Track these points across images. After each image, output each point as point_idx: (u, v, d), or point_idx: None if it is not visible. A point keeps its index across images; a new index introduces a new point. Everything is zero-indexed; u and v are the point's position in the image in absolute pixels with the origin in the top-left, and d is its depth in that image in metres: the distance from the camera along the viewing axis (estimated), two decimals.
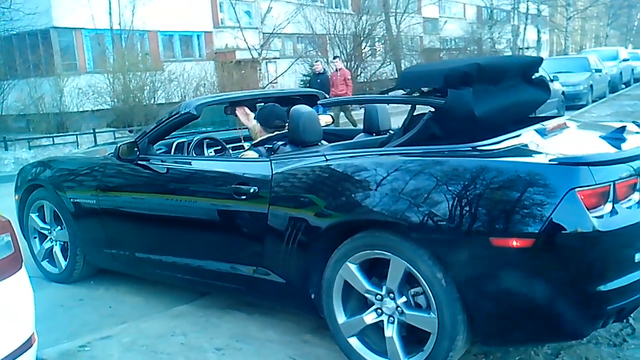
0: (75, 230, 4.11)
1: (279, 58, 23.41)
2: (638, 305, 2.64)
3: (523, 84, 3.37)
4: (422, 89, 3.08)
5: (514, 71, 3.30)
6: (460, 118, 2.82)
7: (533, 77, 3.45)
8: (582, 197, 2.29)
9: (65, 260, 4.28)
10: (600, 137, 2.90)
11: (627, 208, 2.44)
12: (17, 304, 2.22)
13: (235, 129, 4.59)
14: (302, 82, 21.83)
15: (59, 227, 4.28)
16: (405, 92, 3.16)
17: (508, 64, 3.40)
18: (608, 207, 2.37)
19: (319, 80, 12.77)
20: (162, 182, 3.58)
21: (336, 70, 13.11)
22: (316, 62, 14.24)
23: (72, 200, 4.05)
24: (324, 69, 13.41)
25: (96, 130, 13.58)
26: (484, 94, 2.92)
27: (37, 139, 13.71)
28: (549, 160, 2.41)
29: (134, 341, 3.27)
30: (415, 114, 3.09)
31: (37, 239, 4.47)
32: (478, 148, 2.64)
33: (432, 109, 2.91)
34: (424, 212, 2.50)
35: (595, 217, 2.30)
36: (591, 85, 16.04)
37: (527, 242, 2.32)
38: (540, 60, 3.50)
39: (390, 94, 3.54)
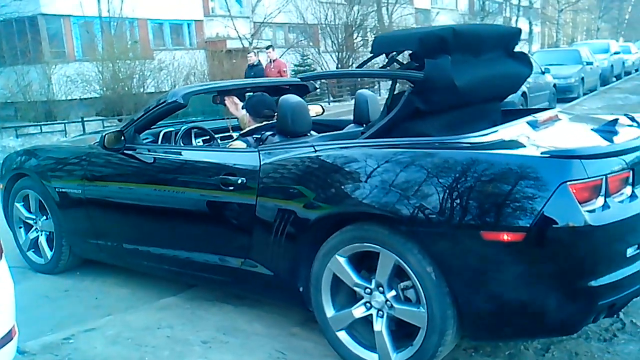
0: (61, 220, 4.04)
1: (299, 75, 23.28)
2: (629, 301, 2.63)
3: (505, 57, 3.32)
4: (400, 62, 3.02)
5: (494, 42, 3.24)
6: (440, 88, 2.77)
7: (515, 50, 3.41)
8: (574, 190, 2.26)
9: (51, 250, 4.22)
10: (592, 130, 2.87)
11: (619, 202, 2.41)
12: None
13: (224, 119, 4.53)
14: (293, 72, 21.71)
15: (45, 217, 4.22)
16: (383, 67, 3.08)
17: (485, 32, 3.33)
18: (600, 201, 2.34)
19: (252, 73, 11.65)
20: (148, 172, 3.52)
21: (270, 61, 11.96)
22: (249, 53, 12.82)
23: (57, 189, 3.98)
24: (259, 60, 12.26)
25: (85, 119, 13.44)
26: (464, 64, 2.88)
27: (24, 127, 13.58)
28: (541, 153, 2.38)
29: (119, 334, 3.22)
30: (396, 93, 3.03)
31: (22, 229, 4.40)
32: (469, 140, 2.60)
33: (412, 84, 2.86)
34: (414, 205, 2.47)
35: (587, 211, 2.27)
36: (582, 78, 16.05)
37: (518, 236, 2.28)
38: (519, 32, 3.46)
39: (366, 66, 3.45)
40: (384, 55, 3.06)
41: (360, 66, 3.31)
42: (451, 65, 2.77)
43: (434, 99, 2.80)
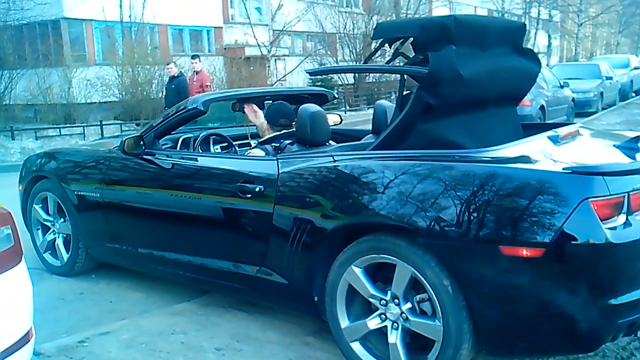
0: (78, 223, 4.08)
1: (288, 55, 23.34)
2: None
3: (513, 52, 3.31)
4: (407, 55, 3.00)
5: (499, 35, 3.23)
6: (447, 80, 2.75)
7: (522, 46, 3.40)
8: (596, 207, 2.24)
9: (68, 253, 4.25)
10: (614, 146, 2.84)
11: None
12: (16, 298, 2.18)
13: (242, 126, 4.55)
14: (310, 81, 21.77)
15: (62, 220, 4.25)
16: (388, 62, 3.05)
17: (489, 23, 3.32)
18: (622, 218, 2.31)
19: (173, 86, 10.70)
20: (167, 178, 3.54)
21: (195, 72, 11.05)
22: (168, 64, 11.37)
23: (76, 192, 4.01)
24: (180, 72, 11.26)
25: (103, 123, 13.56)
26: (470, 57, 2.88)
27: (44, 129, 13.72)
28: (563, 169, 2.36)
29: (133, 338, 3.23)
30: (405, 93, 3.01)
31: (39, 231, 4.44)
32: (489, 154, 2.59)
33: (419, 81, 2.84)
34: (431, 217, 2.45)
35: (608, 228, 2.25)
36: (601, 93, 15.93)
37: (537, 252, 2.26)
38: (523, 26, 3.45)
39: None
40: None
41: (366, 61, 3.32)
42: (456, 57, 2.76)
43: (443, 92, 2.78)
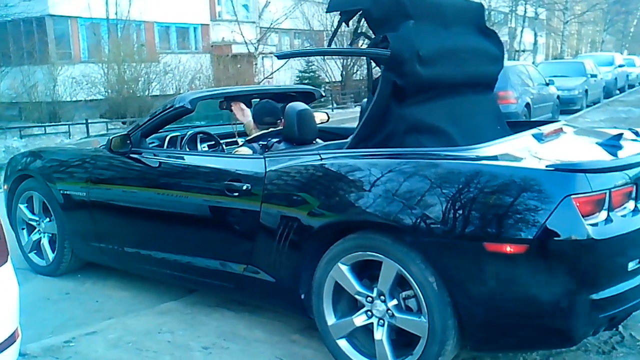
0: (64, 222, 4.06)
1: (275, 53, 23.36)
2: (629, 314, 2.64)
3: (478, 34, 3.37)
4: (369, 36, 3.01)
5: (460, 15, 3.29)
6: (408, 60, 2.78)
7: (486, 27, 3.47)
8: (578, 204, 2.27)
9: (53, 252, 4.23)
10: (597, 143, 2.88)
11: (621, 216, 2.43)
12: (2, 298, 2.16)
13: (230, 124, 4.55)
14: (297, 79, 21.78)
15: (48, 219, 4.22)
16: (350, 43, 3.08)
17: (446, 1, 3.33)
18: (603, 214, 2.35)
19: None
20: (153, 176, 3.54)
21: None
22: None
23: (61, 191, 3.99)
24: None
25: (89, 121, 13.49)
26: (432, 33, 2.91)
27: (28, 127, 13.62)
28: (546, 166, 2.39)
29: (120, 337, 3.22)
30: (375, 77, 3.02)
31: (25, 230, 4.41)
32: (474, 152, 2.61)
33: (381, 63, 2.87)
34: (417, 215, 2.47)
35: (590, 224, 2.29)
36: (586, 90, 16.08)
37: (520, 248, 2.29)
38: (482, 6, 3.52)
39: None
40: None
41: (329, 43, 3.34)
42: (416, 33, 2.79)
43: (407, 71, 2.80)
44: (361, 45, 3.20)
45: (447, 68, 3.02)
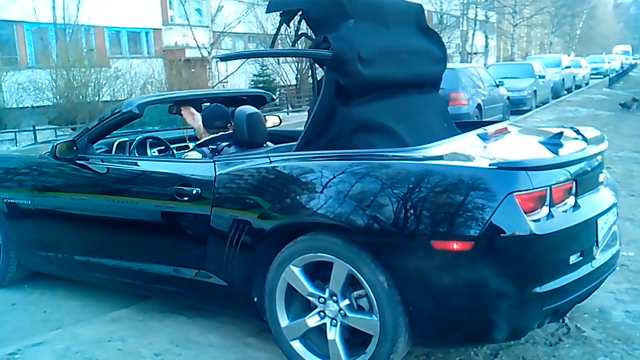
0: (9, 231, 3.93)
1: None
2: (573, 306, 2.73)
3: (420, 34, 3.45)
4: (311, 37, 3.04)
5: (401, 15, 3.36)
6: (350, 60, 2.81)
7: (427, 27, 3.54)
8: (520, 201, 2.34)
9: None
10: (539, 142, 2.96)
11: (562, 212, 2.51)
12: None
13: (180, 129, 4.50)
14: (252, 82, 21.70)
15: None
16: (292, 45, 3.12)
17: (385, 1, 3.36)
18: (545, 210, 2.42)
19: None
20: (101, 183, 3.47)
21: None
22: None
23: (5, 200, 3.88)
24: None
25: (36, 128, 13.09)
26: (373, 33, 2.96)
27: None
28: (489, 165, 2.45)
29: (68, 347, 3.14)
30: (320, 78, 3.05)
31: None
32: (422, 152, 2.66)
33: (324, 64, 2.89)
34: (368, 216, 2.50)
35: (533, 220, 2.35)
36: (535, 91, 16.55)
37: (467, 245, 2.34)
38: (421, 7, 3.58)
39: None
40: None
41: (272, 44, 3.35)
42: (356, 33, 2.83)
43: (350, 71, 2.83)
44: (304, 47, 3.22)
45: (391, 67, 3.06)
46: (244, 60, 21.35)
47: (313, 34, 2.98)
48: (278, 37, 3.28)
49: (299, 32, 3.13)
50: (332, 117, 2.89)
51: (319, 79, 3.00)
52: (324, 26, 2.89)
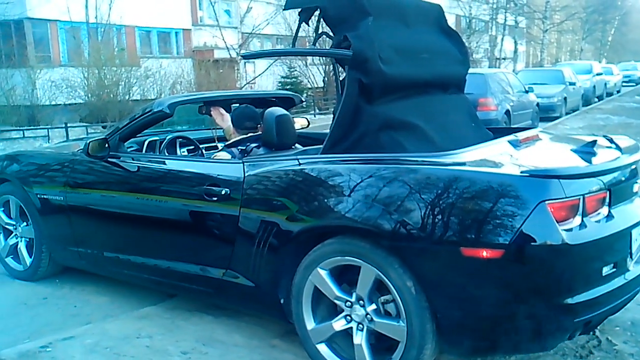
0: (42, 226, 4.01)
1: (257, 59, 23.35)
2: (604, 318, 2.68)
3: (441, 34, 3.42)
4: (329, 36, 3.04)
5: (421, 15, 3.33)
6: (371, 58, 2.79)
7: (449, 27, 3.52)
8: (552, 209, 2.31)
9: (30, 257, 4.18)
10: (571, 150, 2.93)
11: (595, 222, 2.47)
12: None
13: (210, 129, 4.54)
14: (279, 84, 21.79)
15: (25, 223, 4.18)
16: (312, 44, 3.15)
17: (404, 1, 3.38)
18: (577, 220, 2.39)
19: None
20: (132, 181, 3.52)
21: None
22: None
23: (39, 196, 3.95)
24: None
25: (68, 125, 13.34)
26: (392, 31, 2.94)
27: (7, 131, 13.44)
28: (521, 172, 2.42)
29: (97, 342, 3.19)
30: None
31: (1, 235, 4.36)
32: (452, 158, 2.64)
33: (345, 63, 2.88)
34: (395, 220, 2.49)
35: (565, 230, 2.32)
36: (565, 98, 16.31)
37: (496, 253, 2.32)
38: (440, 7, 3.55)
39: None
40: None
41: (293, 44, 3.37)
42: (375, 31, 2.82)
43: (371, 68, 2.82)
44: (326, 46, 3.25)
45: (412, 66, 3.04)
46: (271, 61, 21.50)
47: (332, 33, 2.98)
48: (298, 37, 3.30)
49: (319, 31, 3.14)
50: (356, 116, 2.88)
51: (341, 78, 3.00)
52: (343, 24, 2.88)
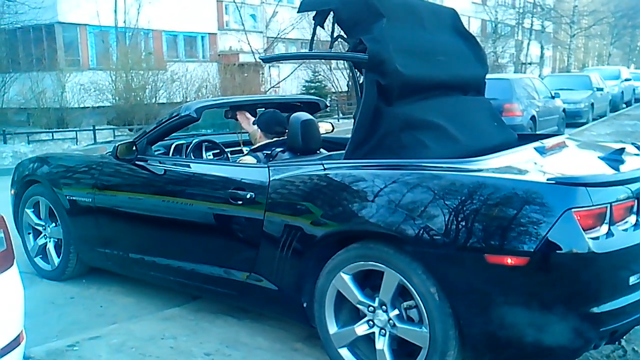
0: (70, 227, 4.09)
1: (282, 63, 23.44)
2: (631, 328, 2.64)
3: (457, 36, 3.42)
4: (345, 40, 3.05)
5: (436, 17, 3.35)
6: (387, 59, 2.81)
7: (465, 30, 3.52)
8: (579, 217, 2.29)
9: (59, 257, 4.26)
10: (598, 157, 2.90)
11: (623, 230, 2.44)
12: (7, 301, 2.20)
13: (235, 133, 4.58)
14: (304, 88, 21.84)
15: (54, 224, 4.26)
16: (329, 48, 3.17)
17: (418, 3, 3.38)
18: (604, 228, 2.36)
19: None
20: (159, 184, 3.57)
21: None
22: None
23: (68, 197, 4.03)
24: None
25: (96, 127, 13.56)
26: (407, 32, 2.95)
27: (36, 133, 13.72)
28: (547, 179, 2.41)
29: (123, 342, 3.24)
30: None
31: (31, 235, 4.45)
32: (476, 164, 2.64)
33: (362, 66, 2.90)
34: (419, 226, 2.49)
35: (591, 238, 2.30)
36: (592, 104, 16.08)
37: (521, 261, 2.31)
38: (454, 10, 3.56)
39: None
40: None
41: (310, 46, 3.40)
42: (390, 33, 2.83)
43: (388, 70, 2.83)
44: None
45: (429, 67, 3.05)
46: (296, 65, 21.58)
47: (346, 35, 2.99)
48: (319, 40, 3.33)
49: (335, 35, 3.16)
50: (377, 118, 2.89)
51: (360, 82, 3.01)
52: (357, 27, 2.90)
